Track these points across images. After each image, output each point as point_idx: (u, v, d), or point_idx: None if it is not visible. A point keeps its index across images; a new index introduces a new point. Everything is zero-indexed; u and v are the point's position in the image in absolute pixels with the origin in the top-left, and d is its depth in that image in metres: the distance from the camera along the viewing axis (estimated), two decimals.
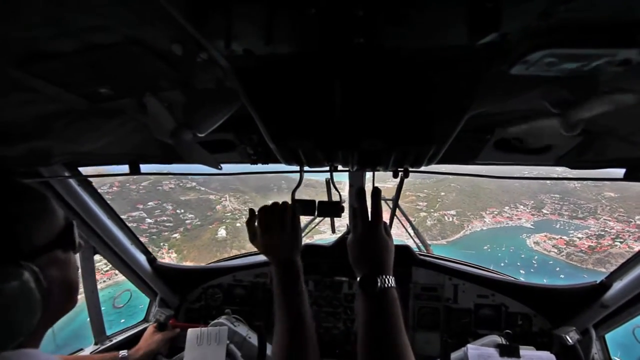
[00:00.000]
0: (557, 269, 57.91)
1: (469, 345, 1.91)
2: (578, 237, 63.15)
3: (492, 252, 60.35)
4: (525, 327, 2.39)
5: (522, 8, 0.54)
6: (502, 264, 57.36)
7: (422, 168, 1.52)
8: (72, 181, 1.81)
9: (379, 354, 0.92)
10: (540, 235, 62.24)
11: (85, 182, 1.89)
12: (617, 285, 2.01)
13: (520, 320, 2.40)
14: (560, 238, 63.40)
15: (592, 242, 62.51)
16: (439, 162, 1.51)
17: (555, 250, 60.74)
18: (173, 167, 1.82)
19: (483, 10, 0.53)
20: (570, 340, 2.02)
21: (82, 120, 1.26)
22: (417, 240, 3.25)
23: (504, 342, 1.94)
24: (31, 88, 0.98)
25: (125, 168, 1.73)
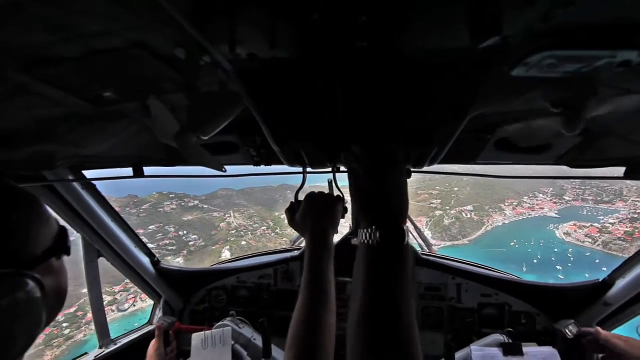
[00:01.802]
0: (597, 261, 52.41)
1: (472, 347, 1.91)
2: (610, 223, 57.52)
3: (521, 248, 54.31)
4: (529, 326, 2.39)
5: (522, 12, 0.54)
6: (535, 261, 52.28)
7: (425, 169, 1.53)
8: (76, 185, 1.83)
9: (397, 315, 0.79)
10: (569, 224, 56.83)
11: (89, 185, 1.90)
12: (620, 283, 2.01)
13: (523, 319, 2.40)
14: (592, 226, 57.36)
15: (627, 227, 56.92)
16: (440, 163, 1.53)
17: (590, 240, 55.06)
18: (177, 169, 1.83)
19: (485, 15, 0.54)
20: (569, 334, 2.01)
21: (86, 124, 1.27)
22: (420, 240, 3.25)
23: (507, 341, 1.94)
24: (36, 92, 0.99)
25: (129, 171, 1.74)
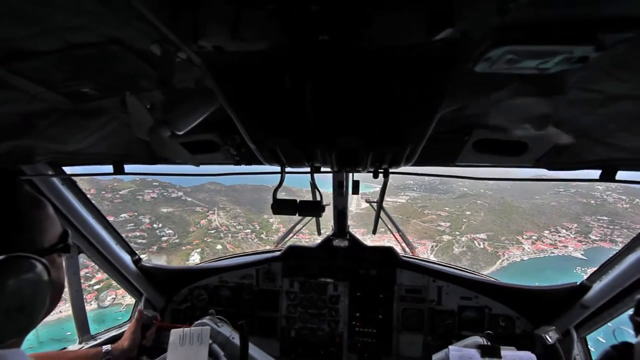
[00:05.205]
0: None
1: (450, 347, 1.91)
2: None
3: None
4: (508, 329, 2.42)
5: (476, 5, 0.56)
6: None
7: (404, 169, 1.55)
8: (56, 180, 1.82)
9: None
10: None
11: (69, 181, 1.89)
12: (597, 286, 2.03)
13: (502, 322, 2.42)
14: None
15: None
16: (419, 164, 1.53)
17: None
18: (159, 167, 1.83)
19: (434, 6, 0.56)
20: (549, 340, 2.03)
21: (65, 119, 1.28)
22: (403, 243, 3.27)
23: (485, 343, 1.95)
24: (13, 86, 1.00)
25: (110, 168, 1.74)
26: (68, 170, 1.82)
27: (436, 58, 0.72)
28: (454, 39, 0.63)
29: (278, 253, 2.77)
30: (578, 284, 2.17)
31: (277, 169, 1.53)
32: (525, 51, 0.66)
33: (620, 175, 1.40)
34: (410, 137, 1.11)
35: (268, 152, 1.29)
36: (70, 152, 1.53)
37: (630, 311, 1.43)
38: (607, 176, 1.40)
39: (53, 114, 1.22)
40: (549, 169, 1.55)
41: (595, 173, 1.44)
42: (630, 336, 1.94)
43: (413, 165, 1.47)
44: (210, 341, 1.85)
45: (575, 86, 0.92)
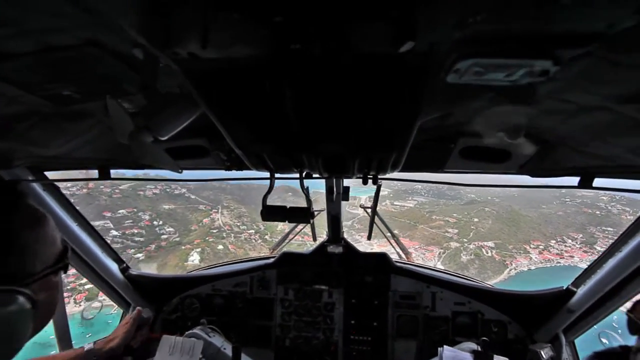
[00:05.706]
0: None
1: (445, 347, 1.90)
2: None
3: None
4: (500, 334, 2.42)
5: (435, 20, 0.57)
6: None
7: (393, 175, 1.56)
8: (36, 185, 1.76)
9: None
10: None
11: (51, 186, 1.83)
12: (582, 291, 2.07)
13: (495, 327, 2.43)
14: None
15: None
16: (407, 170, 1.56)
17: None
18: (147, 172, 1.81)
19: (395, 20, 0.56)
20: (544, 357, 2.05)
21: (47, 122, 1.24)
22: (398, 249, 3.28)
23: (479, 349, 1.95)
24: None
25: (95, 173, 1.70)
26: (50, 175, 1.77)
27: (409, 68, 0.73)
28: (422, 51, 0.64)
29: (272, 260, 2.74)
30: (564, 288, 2.20)
31: (267, 174, 1.52)
32: (489, 64, 0.68)
33: (598, 182, 1.44)
34: (392, 144, 1.12)
35: (255, 158, 1.28)
36: (52, 156, 1.48)
37: (621, 311, 1.45)
38: (585, 183, 1.44)
39: (34, 116, 1.18)
40: (532, 175, 1.59)
41: (576, 180, 1.48)
42: (615, 340, 1.97)
43: (401, 171, 1.48)
44: (201, 356, 1.80)
45: (547, 96, 0.94)
